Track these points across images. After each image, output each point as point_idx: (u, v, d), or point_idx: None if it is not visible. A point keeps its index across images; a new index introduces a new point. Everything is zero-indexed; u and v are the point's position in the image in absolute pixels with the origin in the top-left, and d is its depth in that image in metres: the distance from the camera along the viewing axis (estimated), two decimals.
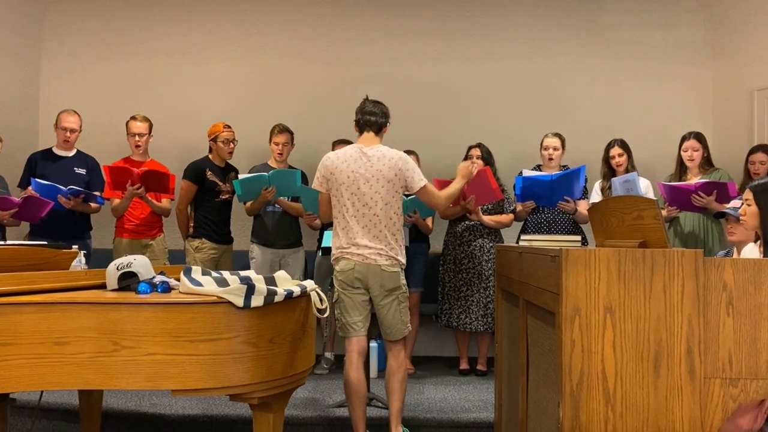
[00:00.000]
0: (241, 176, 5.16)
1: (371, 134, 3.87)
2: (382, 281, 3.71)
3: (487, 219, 5.40)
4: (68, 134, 5.24)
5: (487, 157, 5.49)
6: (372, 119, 3.86)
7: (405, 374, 3.83)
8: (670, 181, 5.13)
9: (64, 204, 4.94)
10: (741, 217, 3.22)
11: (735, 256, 3.61)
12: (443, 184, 5.23)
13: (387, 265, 3.72)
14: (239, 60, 6.49)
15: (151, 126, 5.43)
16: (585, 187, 5.39)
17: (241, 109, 6.22)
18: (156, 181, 5.08)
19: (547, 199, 5.19)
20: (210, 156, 5.37)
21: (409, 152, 5.30)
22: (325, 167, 3.81)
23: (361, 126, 3.89)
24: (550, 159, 5.39)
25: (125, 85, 6.44)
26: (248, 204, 5.32)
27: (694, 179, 5.04)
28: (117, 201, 5.21)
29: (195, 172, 5.27)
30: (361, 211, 3.71)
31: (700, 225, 5.04)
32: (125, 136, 5.45)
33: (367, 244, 3.68)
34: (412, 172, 3.83)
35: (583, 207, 5.25)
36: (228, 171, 5.42)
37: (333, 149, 5.63)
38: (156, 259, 5.16)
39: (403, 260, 3.83)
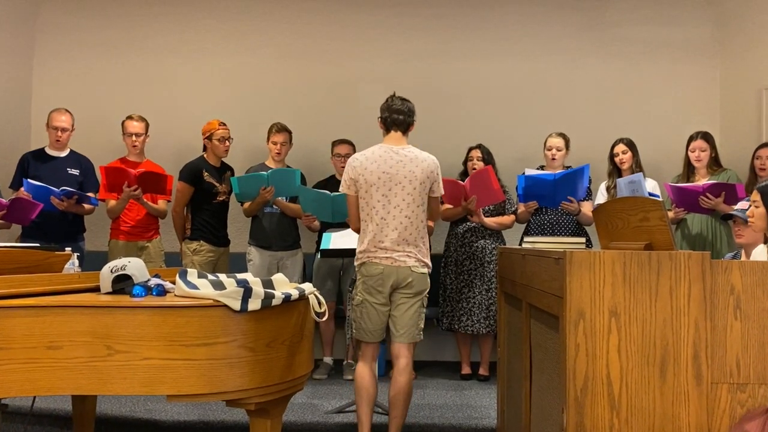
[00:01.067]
0: (238, 175, 5.16)
1: (399, 134, 3.84)
2: (412, 282, 3.69)
3: (489, 221, 5.40)
4: (59, 133, 5.24)
5: (488, 158, 5.50)
6: (400, 118, 3.83)
7: (411, 389, 3.79)
8: (677, 182, 5.13)
9: (57, 205, 4.94)
10: (749, 219, 3.22)
11: (743, 258, 3.61)
12: (447, 182, 5.24)
13: (417, 266, 3.71)
14: (236, 58, 6.49)
15: (147, 126, 5.43)
16: (589, 187, 5.39)
17: (238, 108, 6.22)
18: (153, 182, 5.08)
19: (550, 199, 5.19)
20: (205, 155, 5.37)
21: None
22: (353, 168, 3.76)
23: (389, 125, 3.85)
24: (553, 159, 5.40)
25: (119, 84, 6.44)
26: (246, 205, 5.32)
27: (702, 180, 5.04)
28: (113, 202, 5.22)
29: (191, 173, 5.27)
30: (392, 213, 3.68)
31: (708, 227, 5.04)
32: (119, 135, 5.46)
33: (395, 248, 3.67)
34: (440, 178, 3.85)
35: (587, 208, 5.26)
36: (224, 170, 5.42)
37: (332, 150, 5.65)
38: (152, 262, 5.16)
39: (430, 264, 3.83)
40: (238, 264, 5.39)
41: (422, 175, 3.73)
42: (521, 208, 5.42)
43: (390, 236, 3.67)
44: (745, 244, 3.63)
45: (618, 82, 6.45)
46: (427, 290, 3.80)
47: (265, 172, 5.09)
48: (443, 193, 3.95)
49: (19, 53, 6.37)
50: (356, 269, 3.82)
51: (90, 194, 5.20)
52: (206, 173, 5.28)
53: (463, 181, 5.28)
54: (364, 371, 3.73)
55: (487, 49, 6.50)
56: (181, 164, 5.39)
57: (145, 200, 5.19)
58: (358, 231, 3.86)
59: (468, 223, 5.47)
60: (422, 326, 3.82)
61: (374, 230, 3.69)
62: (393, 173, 3.70)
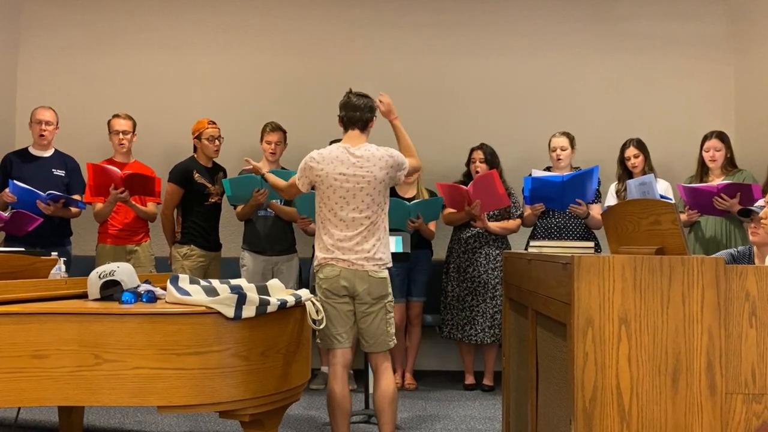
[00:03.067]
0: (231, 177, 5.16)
1: (356, 132, 3.83)
2: (370, 288, 3.68)
3: (493, 225, 5.41)
4: (44, 126, 5.23)
5: (491, 159, 5.51)
6: (357, 115, 3.81)
7: (397, 393, 3.77)
8: (690, 183, 5.14)
9: (44, 210, 4.95)
10: (762, 221, 3.23)
11: (756, 257, 3.62)
12: (446, 188, 5.25)
13: (375, 271, 3.69)
14: (229, 55, 6.50)
15: (134, 125, 5.44)
16: (598, 189, 5.41)
17: (230, 107, 6.22)
18: (141, 184, 5.09)
19: (558, 201, 5.20)
20: (195, 156, 5.38)
21: None
22: (310, 168, 3.77)
23: (346, 123, 3.85)
24: (559, 160, 5.41)
25: (107, 81, 6.44)
26: (239, 208, 5.32)
27: (717, 181, 5.05)
28: (100, 205, 5.22)
29: (181, 174, 5.27)
30: (351, 215, 3.68)
31: (722, 230, 5.04)
32: (106, 135, 5.46)
33: (354, 249, 3.66)
34: (399, 159, 3.80)
35: (596, 211, 5.26)
36: (215, 171, 5.43)
37: None
38: (141, 267, 5.17)
39: (390, 262, 3.82)
40: (229, 269, 5.39)
41: (381, 173, 3.72)
42: (527, 210, 5.43)
43: (347, 239, 3.67)
44: (760, 243, 3.63)
45: (628, 79, 6.46)
46: (389, 296, 3.77)
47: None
48: (407, 161, 3.88)
49: (3, 49, 6.38)
50: (314, 273, 3.80)
51: (76, 196, 5.20)
52: (197, 174, 5.28)
53: (467, 184, 5.30)
54: (335, 385, 3.68)
55: (491, 44, 6.51)
56: (170, 165, 5.39)
57: (133, 203, 5.20)
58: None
59: (472, 229, 5.47)
60: (392, 331, 3.80)
61: (332, 232, 3.69)
62: (350, 174, 3.69)
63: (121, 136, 5.36)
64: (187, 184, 5.26)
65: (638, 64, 6.46)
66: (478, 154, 5.52)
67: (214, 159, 5.43)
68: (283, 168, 5.50)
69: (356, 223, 3.68)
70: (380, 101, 3.98)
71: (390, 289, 3.78)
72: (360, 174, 3.69)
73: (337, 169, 3.69)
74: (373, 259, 3.69)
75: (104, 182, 5.01)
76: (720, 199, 4.78)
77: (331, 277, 3.67)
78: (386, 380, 3.72)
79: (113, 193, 5.02)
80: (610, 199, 5.35)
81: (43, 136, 5.25)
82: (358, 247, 3.67)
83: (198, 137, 5.32)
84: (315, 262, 3.77)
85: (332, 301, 3.68)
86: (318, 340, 3.79)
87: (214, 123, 5.35)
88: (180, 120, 5.95)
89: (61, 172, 5.30)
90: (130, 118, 5.42)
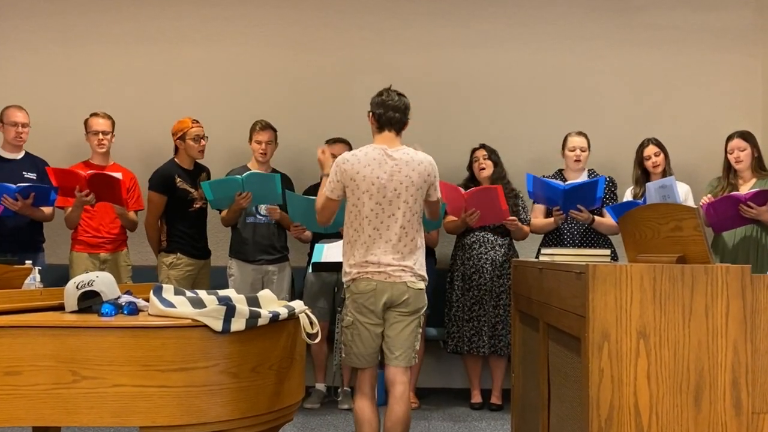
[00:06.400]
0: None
1: (392, 134, 3.83)
2: (408, 299, 3.68)
3: (512, 220, 5.36)
4: (20, 129, 5.25)
5: (494, 158, 5.52)
6: (397, 117, 3.81)
7: (410, 420, 3.77)
8: (715, 186, 5.16)
9: (10, 206, 4.92)
10: None
11: None
12: (449, 189, 5.27)
13: (413, 282, 3.70)
14: (215, 47, 6.48)
15: (113, 124, 5.46)
16: (614, 192, 5.42)
17: (217, 105, 6.21)
18: (106, 185, 5.03)
19: (561, 206, 5.21)
20: (176, 158, 5.38)
21: None
22: (343, 171, 3.73)
23: (383, 123, 3.83)
24: (577, 161, 5.41)
25: (82, 77, 6.37)
26: (223, 213, 5.34)
27: (746, 185, 5.07)
28: (69, 210, 5.23)
29: (162, 181, 5.28)
30: (386, 223, 3.68)
31: (749, 237, 5.05)
32: (79, 136, 5.46)
33: (390, 262, 3.66)
34: (437, 181, 3.86)
35: (608, 215, 5.27)
36: (197, 173, 5.43)
37: None
38: (116, 278, 5.15)
39: (426, 277, 3.82)
40: (220, 278, 5.40)
41: (419, 179, 3.73)
42: (538, 215, 5.45)
43: (383, 249, 3.66)
44: None
45: (647, 74, 6.46)
46: (425, 308, 3.80)
47: (240, 176, 5.11)
48: (440, 197, 3.96)
49: None
50: (345, 287, 3.81)
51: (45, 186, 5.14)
52: (179, 179, 5.29)
53: (468, 188, 5.32)
54: (363, 404, 3.69)
55: (498, 36, 6.52)
56: (149, 167, 5.40)
57: (121, 208, 5.20)
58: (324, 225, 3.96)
59: (476, 234, 5.48)
60: (418, 346, 3.81)
61: (366, 242, 3.68)
62: (387, 179, 3.68)
63: (100, 136, 5.37)
64: (170, 190, 5.27)
65: (658, 57, 6.46)
66: (481, 152, 5.54)
67: (197, 161, 5.43)
68: (274, 170, 5.51)
69: (391, 233, 3.68)
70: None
71: (426, 302, 3.79)
72: (398, 179, 3.69)
73: (374, 173, 3.69)
74: (412, 272, 3.70)
75: (70, 185, 5.00)
76: (746, 207, 4.79)
77: (367, 291, 3.67)
78: (403, 404, 3.69)
79: (78, 196, 5.00)
80: None
81: (19, 138, 5.27)
82: (394, 258, 3.67)
83: (181, 138, 5.31)
84: (346, 277, 3.77)
85: (365, 320, 3.69)
86: (342, 356, 3.80)
87: (197, 122, 5.36)
88: (159, 118, 5.93)
89: (32, 175, 5.31)
90: (109, 117, 5.43)
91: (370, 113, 3.87)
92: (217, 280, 5.32)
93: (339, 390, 5.44)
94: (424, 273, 3.79)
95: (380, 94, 3.88)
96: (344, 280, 3.79)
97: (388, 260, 3.66)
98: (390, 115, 3.81)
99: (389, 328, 3.72)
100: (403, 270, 3.68)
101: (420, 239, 3.79)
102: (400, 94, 3.88)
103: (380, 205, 3.68)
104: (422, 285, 3.75)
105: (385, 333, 3.74)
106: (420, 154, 3.81)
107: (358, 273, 3.69)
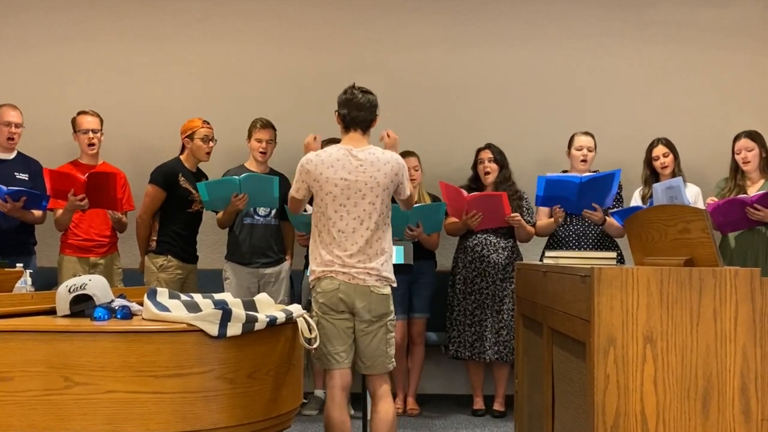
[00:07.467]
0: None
1: (359, 133, 3.84)
2: (371, 305, 3.69)
3: (517, 218, 5.34)
4: (13, 129, 5.25)
5: (501, 159, 5.52)
6: (362, 115, 3.82)
7: (396, 420, 3.78)
8: (723, 187, 5.16)
9: None
10: None
11: None
12: (450, 189, 5.27)
13: (377, 287, 3.71)
14: (212, 45, 6.47)
15: (102, 122, 5.45)
16: (619, 194, 5.42)
17: (213, 103, 6.18)
18: (102, 187, 5.00)
19: (573, 204, 5.19)
20: (182, 158, 5.38)
21: (408, 154, 5.32)
22: (307, 172, 3.77)
23: (348, 123, 3.85)
24: (583, 161, 5.41)
25: (72, 74, 6.35)
26: (219, 214, 5.33)
27: (754, 186, 5.07)
28: (60, 212, 5.22)
29: (166, 176, 5.26)
30: (351, 225, 3.69)
31: (758, 239, 5.05)
32: (69, 135, 5.46)
33: (355, 264, 3.67)
34: (406, 180, 3.87)
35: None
36: (199, 178, 5.43)
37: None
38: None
39: (394, 280, 3.83)
40: (209, 283, 5.36)
41: (385, 180, 3.74)
42: (542, 217, 5.45)
43: (348, 251, 3.68)
44: None
45: (653, 73, 6.46)
46: (391, 315, 3.79)
47: (237, 177, 5.10)
48: (411, 192, 3.97)
49: None
50: (311, 287, 3.81)
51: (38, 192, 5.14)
52: (182, 178, 5.29)
53: (475, 189, 5.32)
54: (333, 411, 3.66)
55: (502, 34, 6.51)
56: (139, 168, 5.40)
57: (114, 212, 5.21)
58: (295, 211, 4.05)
59: (478, 236, 5.48)
60: (392, 352, 3.82)
61: (330, 243, 3.70)
62: (352, 180, 3.70)
63: (90, 135, 5.36)
64: (171, 187, 5.26)
65: (665, 54, 6.46)
66: (486, 153, 5.54)
67: (202, 162, 5.43)
68: (272, 170, 5.51)
69: (356, 235, 3.69)
70: (387, 135, 4.07)
71: (392, 307, 3.79)
72: (363, 179, 3.70)
73: (337, 174, 3.70)
74: (377, 276, 3.70)
75: (65, 188, 4.99)
76: (753, 210, 4.78)
77: (329, 290, 3.68)
78: (385, 406, 3.72)
79: (71, 200, 4.99)
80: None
81: (12, 139, 5.27)
82: (360, 261, 3.68)
83: (190, 137, 5.30)
84: (311, 276, 3.78)
85: (330, 317, 3.68)
86: (314, 360, 3.79)
87: (207, 123, 5.36)
88: (152, 118, 5.93)
89: (24, 176, 5.30)
90: (97, 114, 5.43)
91: (336, 113, 3.89)
92: (207, 285, 5.29)
93: (310, 395, 5.42)
94: (390, 275, 3.78)
95: (345, 92, 3.89)
96: (310, 279, 3.81)
97: (352, 262, 3.67)
98: (354, 114, 3.82)
99: (358, 340, 3.74)
100: (368, 273, 3.68)
101: (387, 241, 3.80)
102: (365, 92, 3.88)
103: (344, 207, 3.69)
104: (387, 290, 3.75)
105: (356, 344, 3.75)
106: (387, 154, 3.81)
107: (323, 272, 3.70)
